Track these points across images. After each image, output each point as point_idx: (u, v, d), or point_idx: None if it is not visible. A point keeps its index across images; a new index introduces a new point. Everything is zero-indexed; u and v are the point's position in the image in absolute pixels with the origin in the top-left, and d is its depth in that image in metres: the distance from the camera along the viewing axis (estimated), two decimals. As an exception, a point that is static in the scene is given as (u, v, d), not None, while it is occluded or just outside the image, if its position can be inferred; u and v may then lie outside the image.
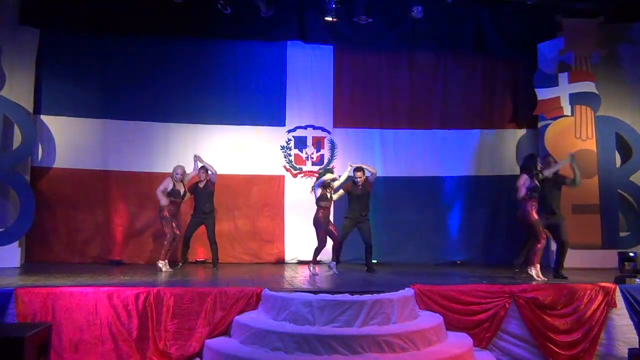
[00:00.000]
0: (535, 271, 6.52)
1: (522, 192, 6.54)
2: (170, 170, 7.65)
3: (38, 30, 8.47)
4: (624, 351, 5.58)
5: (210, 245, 7.90)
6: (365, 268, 7.56)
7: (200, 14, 8.52)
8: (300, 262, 8.67)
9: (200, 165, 7.89)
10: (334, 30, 8.98)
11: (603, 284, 5.83)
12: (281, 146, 9.23)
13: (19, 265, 7.83)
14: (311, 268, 7.17)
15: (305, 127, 9.30)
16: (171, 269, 7.41)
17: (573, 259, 7.23)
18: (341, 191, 7.64)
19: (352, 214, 7.56)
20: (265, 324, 4.98)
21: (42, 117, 8.58)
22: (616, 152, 8.51)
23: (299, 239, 8.74)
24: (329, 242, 7.44)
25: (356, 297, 5.11)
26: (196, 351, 5.21)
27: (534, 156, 6.95)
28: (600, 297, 5.73)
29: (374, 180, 7.77)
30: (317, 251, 7.25)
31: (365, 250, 7.57)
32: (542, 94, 8.67)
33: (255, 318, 5.19)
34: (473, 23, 9.18)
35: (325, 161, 9.22)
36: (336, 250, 7.50)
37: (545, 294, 5.67)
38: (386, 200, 8.98)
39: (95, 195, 8.66)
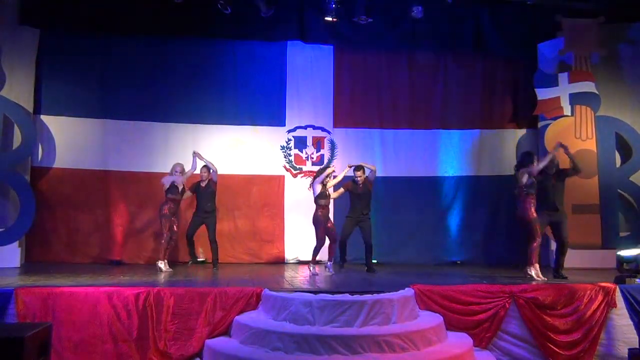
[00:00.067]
0: (534, 271, 6.52)
1: (524, 180, 6.48)
2: (169, 170, 7.67)
3: (38, 30, 8.47)
4: (624, 351, 5.58)
5: (210, 245, 7.90)
6: (365, 268, 7.56)
7: (200, 14, 8.52)
8: (300, 262, 8.67)
9: (202, 164, 7.88)
10: (334, 30, 8.98)
11: (603, 284, 5.83)
12: (281, 146, 9.23)
13: (19, 265, 7.83)
14: (311, 268, 7.17)
15: (305, 127, 9.30)
16: (171, 269, 7.41)
17: (573, 259, 7.24)
18: (341, 189, 7.65)
19: (353, 213, 7.57)
20: (265, 324, 4.98)
21: (42, 117, 8.58)
22: (616, 152, 8.51)
23: (299, 239, 8.73)
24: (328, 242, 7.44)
25: (356, 297, 5.10)
26: (196, 351, 5.21)
27: (530, 154, 6.94)
28: (600, 297, 5.73)
29: (374, 178, 7.77)
30: (317, 250, 7.24)
31: (365, 250, 7.57)
32: (542, 94, 8.67)
33: (255, 318, 5.19)
34: (473, 23, 9.17)
35: (325, 161, 9.21)
36: (334, 250, 7.48)
37: (545, 294, 5.67)
38: (386, 200, 8.98)
39: (95, 195, 8.66)
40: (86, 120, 8.73)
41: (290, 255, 8.97)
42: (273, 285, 5.80)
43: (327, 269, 7.33)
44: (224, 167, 8.51)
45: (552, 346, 5.52)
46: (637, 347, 5.41)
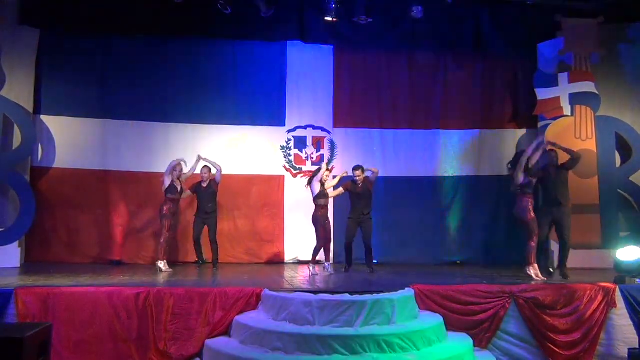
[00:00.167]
0: (534, 271, 6.51)
1: (521, 177, 6.47)
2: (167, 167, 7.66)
3: (38, 30, 8.47)
4: (624, 351, 5.59)
5: (210, 245, 7.90)
6: (366, 268, 7.56)
7: (200, 14, 8.51)
8: (300, 262, 8.67)
9: (203, 164, 7.87)
10: (334, 30, 8.97)
11: (603, 284, 5.84)
12: (281, 146, 9.22)
13: (19, 265, 7.83)
14: (311, 268, 7.17)
15: (305, 127, 9.30)
16: (171, 269, 7.41)
17: (573, 259, 7.20)
18: (340, 189, 7.65)
19: (354, 214, 7.54)
20: (265, 324, 4.98)
21: (42, 117, 8.57)
22: (616, 152, 8.50)
23: (299, 239, 8.73)
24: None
25: (356, 297, 5.11)
26: (196, 351, 5.22)
27: (524, 152, 6.92)
28: (600, 297, 5.74)
29: (375, 179, 7.76)
30: (317, 250, 7.25)
31: (365, 250, 7.57)
32: (542, 94, 8.66)
33: (255, 318, 5.19)
34: (473, 23, 9.17)
35: (325, 161, 9.20)
36: (330, 249, 7.48)
37: (545, 294, 5.68)
38: (386, 200, 8.96)
39: (95, 195, 8.65)
40: (86, 120, 8.73)
41: (290, 255, 8.96)
42: (273, 285, 5.80)
43: (325, 269, 7.33)
44: (224, 167, 8.46)
45: (552, 346, 5.53)
46: (637, 347, 5.42)
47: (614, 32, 8.70)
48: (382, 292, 5.39)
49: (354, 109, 9.37)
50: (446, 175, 9.35)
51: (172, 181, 7.46)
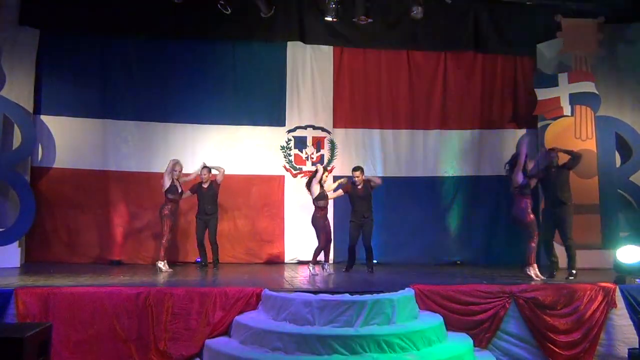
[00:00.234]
0: (533, 271, 6.51)
1: (519, 178, 6.46)
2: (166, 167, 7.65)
3: (38, 30, 8.47)
4: (624, 351, 5.59)
5: (210, 245, 7.90)
6: (366, 268, 7.56)
7: (200, 14, 8.52)
8: (300, 262, 8.67)
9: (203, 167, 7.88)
10: (334, 31, 8.98)
11: (603, 284, 5.84)
12: (281, 146, 9.22)
13: (19, 265, 7.82)
14: (311, 268, 7.17)
15: (305, 127, 9.30)
16: (171, 269, 7.41)
17: (573, 259, 7.23)
18: (340, 191, 7.64)
19: (355, 217, 7.49)
20: (265, 324, 4.98)
21: (42, 117, 8.57)
22: (616, 152, 8.51)
23: (299, 239, 8.73)
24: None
25: (356, 297, 5.10)
26: (196, 351, 5.21)
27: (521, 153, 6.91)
28: (600, 297, 5.73)
29: (377, 186, 7.71)
30: (317, 251, 7.24)
31: (365, 252, 7.56)
32: (542, 94, 8.67)
33: (255, 318, 5.19)
34: (473, 23, 9.19)
35: (325, 161, 9.20)
36: (329, 250, 7.50)
37: (545, 294, 5.67)
38: (386, 200, 8.95)
39: (95, 195, 8.65)
40: (86, 120, 8.72)
41: (290, 255, 8.96)
42: (273, 285, 5.79)
43: (324, 269, 7.34)
44: (224, 167, 8.51)
45: (552, 346, 5.53)
46: (637, 347, 5.42)
47: (614, 32, 8.71)
48: (382, 292, 5.39)
49: (353, 109, 9.37)
50: (446, 175, 9.36)
51: (173, 181, 7.46)
